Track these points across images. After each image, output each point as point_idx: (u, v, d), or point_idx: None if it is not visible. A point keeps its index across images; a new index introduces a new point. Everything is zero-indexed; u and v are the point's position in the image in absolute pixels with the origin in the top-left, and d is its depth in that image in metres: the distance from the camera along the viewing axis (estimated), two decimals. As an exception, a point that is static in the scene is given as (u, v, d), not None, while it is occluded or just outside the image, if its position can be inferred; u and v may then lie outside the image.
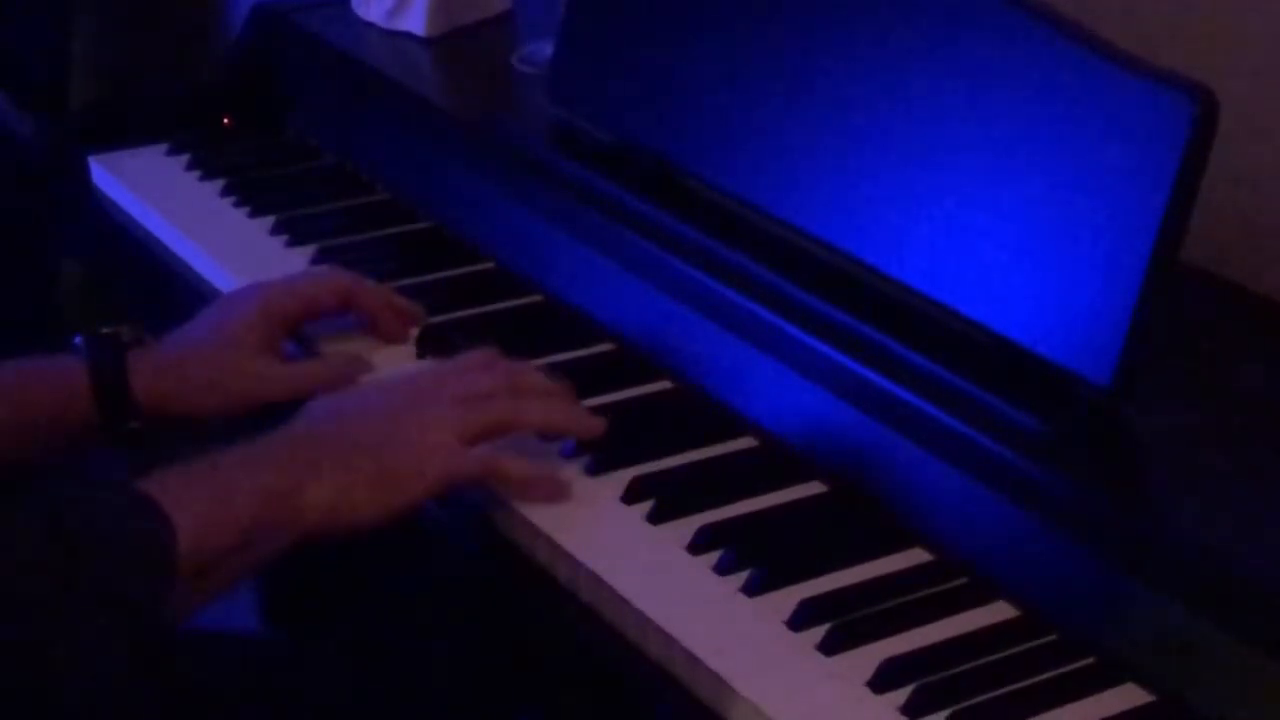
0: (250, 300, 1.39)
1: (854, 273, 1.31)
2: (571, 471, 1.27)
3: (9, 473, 1.32)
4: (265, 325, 1.37)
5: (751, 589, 1.16)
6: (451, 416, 1.21)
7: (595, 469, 1.27)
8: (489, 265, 1.57)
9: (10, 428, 1.29)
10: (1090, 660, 1.11)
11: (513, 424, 1.24)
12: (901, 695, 1.07)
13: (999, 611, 1.16)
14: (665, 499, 1.24)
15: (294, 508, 1.16)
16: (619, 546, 1.20)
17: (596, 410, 1.31)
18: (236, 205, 1.68)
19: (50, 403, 1.32)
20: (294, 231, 1.62)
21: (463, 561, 1.25)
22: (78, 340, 1.33)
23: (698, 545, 1.20)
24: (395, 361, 1.41)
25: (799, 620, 1.13)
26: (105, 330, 1.34)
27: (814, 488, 1.27)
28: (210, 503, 1.12)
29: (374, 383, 1.28)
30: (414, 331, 1.44)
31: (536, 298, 1.52)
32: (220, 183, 1.72)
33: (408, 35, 1.83)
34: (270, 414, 1.37)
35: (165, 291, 1.63)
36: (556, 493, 1.23)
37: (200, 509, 1.11)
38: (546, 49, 1.63)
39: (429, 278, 1.55)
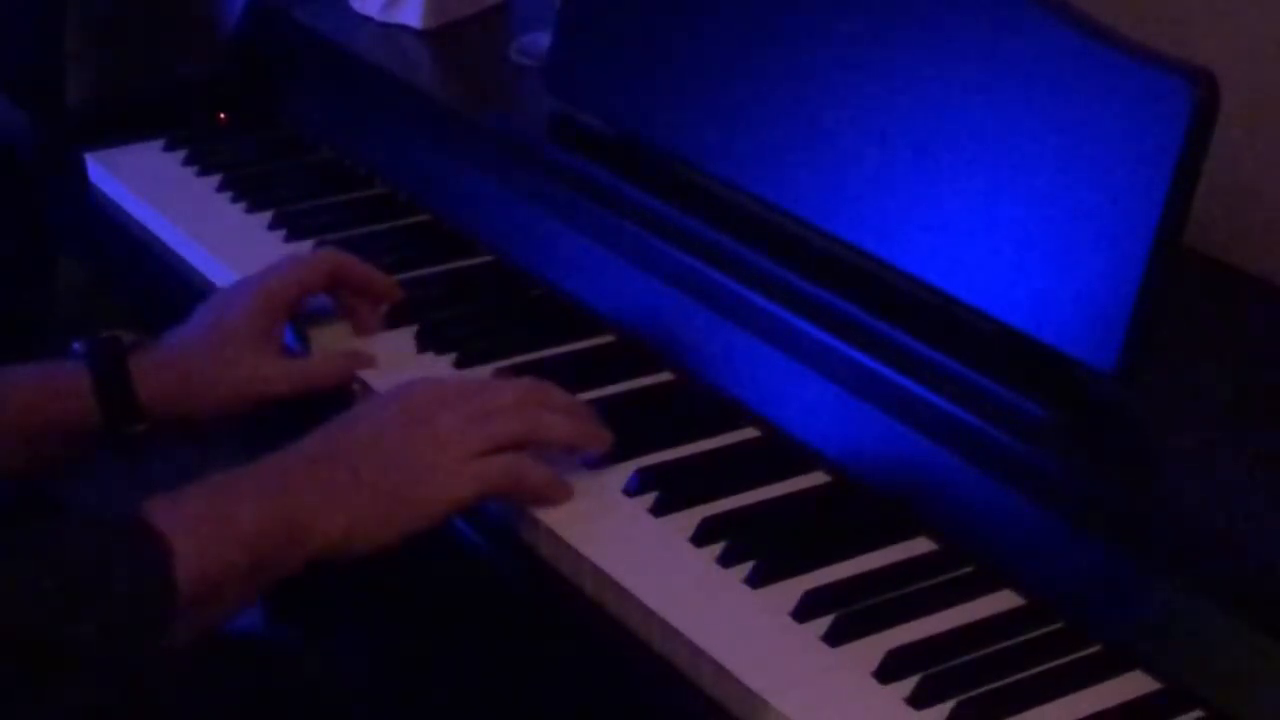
0: (245, 295, 1.38)
1: (855, 261, 1.31)
2: (573, 466, 1.26)
3: (14, 484, 1.32)
4: (264, 318, 1.37)
5: (755, 580, 1.16)
6: (468, 434, 1.19)
7: (597, 462, 1.27)
8: (488, 258, 1.57)
9: (13, 435, 1.29)
10: (1096, 648, 1.11)
11: (530, 438, 1.22)
12: (907, 685, 1.07)
13: (1004, 600, 1.15)
14: (668, 491, 1.23)
15: (304, 535, 1.14)
16: (622, 540, 1.20)
17: (598, 403, 1.31)
18: (234, 200, 1.68)
19: (53, 408, 1.31)
20: (292, 226, 1.62)
21: (466, 557, 1.24)
22: (76, 345, 1.33)
23: (701, 537, 1.19)
24: (395, 358, 1.41)
25: (803, 611, 1.13)
26: (105, 334, 1.34)
27: (817, 478, 1.27)
28: (215, 531, 1.11)
29: (389, 394, 1.25)
30: (398, 294, 1.44)
31: (536, 290, 1.51)
32: (217, 178, 1.71)
33: (403, 28, 1.82)
34: (272, 413, 1.37)
35: (163, 287, 1.62)
36: (571, 491, 1.23)
37: (204, 538, 1.10)
38: (543, 40, 1.62)
39: (428, 271, 1.55)
